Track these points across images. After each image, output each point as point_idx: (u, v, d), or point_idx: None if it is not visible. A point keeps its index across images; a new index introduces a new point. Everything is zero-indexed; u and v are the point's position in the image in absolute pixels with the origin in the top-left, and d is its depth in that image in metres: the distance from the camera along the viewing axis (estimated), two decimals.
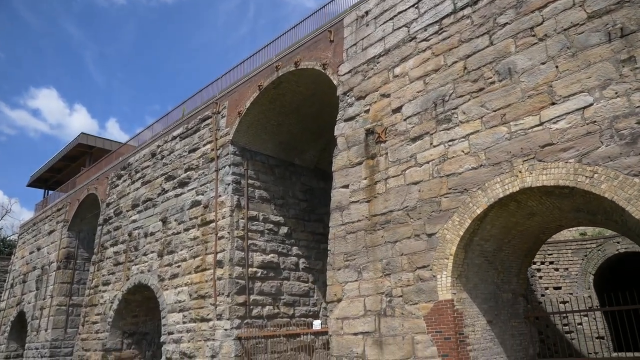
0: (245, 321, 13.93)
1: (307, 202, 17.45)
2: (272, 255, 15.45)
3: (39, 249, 27.55)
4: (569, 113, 8.20)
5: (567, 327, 16.37)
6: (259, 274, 14.82)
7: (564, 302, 16.17)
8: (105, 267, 20.20)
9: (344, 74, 12.85)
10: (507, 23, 9.47)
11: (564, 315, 16.06)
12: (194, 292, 14.96)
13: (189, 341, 14.60)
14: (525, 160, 8.55)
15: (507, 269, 10.39)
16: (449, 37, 10.53)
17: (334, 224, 11.67)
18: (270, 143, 16.85)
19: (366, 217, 10.98)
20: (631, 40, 7.72)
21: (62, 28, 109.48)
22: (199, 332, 14.36)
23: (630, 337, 14.62)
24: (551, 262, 17.51)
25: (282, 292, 15.34)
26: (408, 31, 11.46)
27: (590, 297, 16.34)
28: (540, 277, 17.43)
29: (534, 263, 17.48)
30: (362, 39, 12.68)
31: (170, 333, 15.35)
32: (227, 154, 15.70)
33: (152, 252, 17.46)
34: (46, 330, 23.73)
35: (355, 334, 10.37)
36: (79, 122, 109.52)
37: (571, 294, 16.74)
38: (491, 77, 9.58)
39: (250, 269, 14.64)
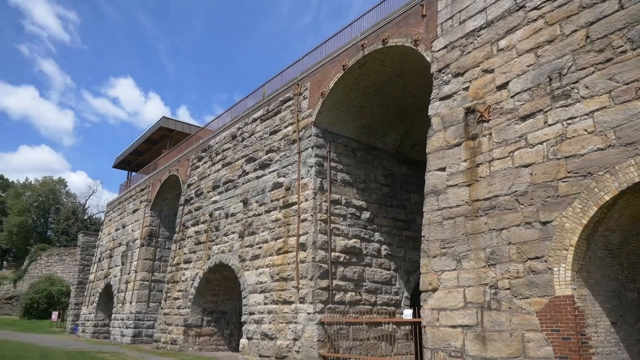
0: (328, 306, 13.65)
1: (389, 187, 16.81)
2: (354, 240, 15.02)
3: (124, 227, 29.16)
4: None
5: None
6: (341, 259, 14.47)
7: None
8: (186, 245, 20.83)
9: (439, 50, 11.99)
10: None
11: None
12: (276, 274, 14.91)
13: (270, 322, 14.61)
14: None
15: (633, 265, 9.20)
16: (566, 4, 9.38)
17: (429, 209, 10.98)
18: (352, 125, 16.34)
19: (466, 202, 10.19)
20: None
21: (138, 21, 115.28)
22: (281, 314, 14.31)
23: None
24: None
25: (364, 279, 14.90)
26: (515, 0, 10.39)
27: None
28: None
29: None
30: (460, 11, 11.73)
31: (251, 313, 15.47)
32: (310, 135, 15.38)
33: (232, 232, 17.68)
34: (131, 303, 25.11)
35: (454, 327, 9.69)
36: (153, 110, 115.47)
37: None
38: (622, 46, 8.38)
39: (333, 253, 14.32)
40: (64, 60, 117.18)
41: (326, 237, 14.33)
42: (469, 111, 10.70)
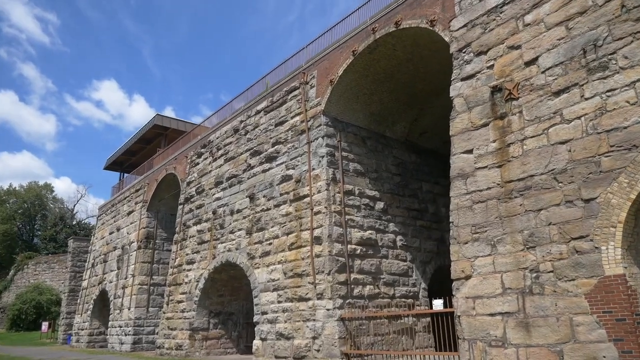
0: (347, 301, 13.10)
1: (400, 176, 16.33)
2: (369, 231, 14.50)
3: (118, 229, 28.19)
4: None
5: None
6: (357, 251, 13.93)
7: None
8: (188, 245, 20.08)
9: (458, 29, 11.54)
10: None
11: None
12: (289, 270, 14.30)
13: (285, 321, 13.99)
14: None
15: None
16: None
17: (457, 194, 10.50)
18: (361, 114, 15.83)
19: (498, 184, 9.74)
20: None
21: (121, 22, 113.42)
22: (297, 312, 13.70)
23: None
24: None
25: (381, 271, 14.39)
26: None
27: None
28: None
29: None
30: None
31: (264, 313, 14.82)
32: (319, 125, 14.82)
33: (239, 229, 17.01)
34: (129, 308, 24.19)
35: (492, 315, 9.22)
36: (138, 112, 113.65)
37: None
38: None
39: (349, 246, 13.77)
40: (44, 64, 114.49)
41: (341, 229, 13.78)
42: (495, 90, 10.27)
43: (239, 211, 17.31)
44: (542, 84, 9.45)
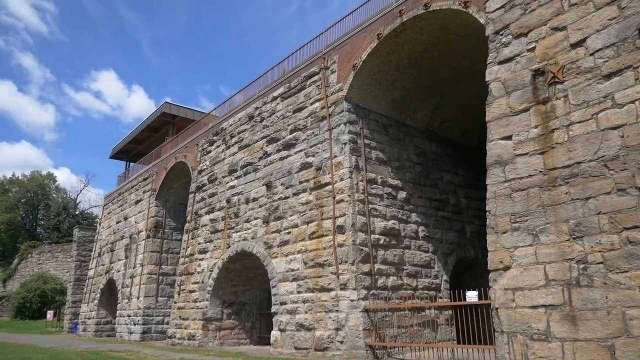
0: (372, 292, 12.71)
1: (421, 165, 15.89)
2: (392, 221, 14.08)
3: (126, 219, 27.77)
4: None
5: None
6: (381, 241, 13.52)
7: None
8: (201, 235, 19.66)
9: (494, 11, 11.02)
10: None
11: None
12: (310, 259, 13.90)
13: (306, 312, 13.61)
14: None
15: None
16: None
17: (494, 181, 10.06)
18: (383, 100, 15.34)
19: (540, 172, 9.29)
20: None
21: (119, 12, 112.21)
22: (318, 302, 13.32)
23: None
24: None
25: (404, 262, 13.99)
26: None
27: None
28: None
29: None
30: None
31: (283, 303, 14.44)
32: (342, 111, 14.34)
33: (255, 218, 16.58)
34: (138, 298, 23.84)
35: (534, 307, 8.82)
36: (137, 103, 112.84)
37: None
38: None
39: (372, 236, 13.36)
40: (42, 54, 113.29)
41: (365, 218, 13.35)
42: (537, 73, 9.77)
43: (254, 199, 16.87)
44: (590, 66, 8.96)
